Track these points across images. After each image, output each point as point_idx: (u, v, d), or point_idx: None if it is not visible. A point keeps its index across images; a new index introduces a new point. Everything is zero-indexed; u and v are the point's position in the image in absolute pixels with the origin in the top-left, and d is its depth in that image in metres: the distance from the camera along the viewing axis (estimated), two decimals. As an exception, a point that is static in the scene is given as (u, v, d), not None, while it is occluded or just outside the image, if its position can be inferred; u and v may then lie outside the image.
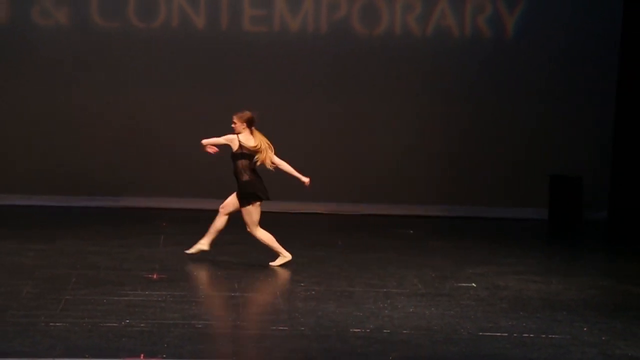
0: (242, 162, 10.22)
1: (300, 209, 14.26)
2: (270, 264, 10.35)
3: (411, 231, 13.22)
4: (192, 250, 10.51)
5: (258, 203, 10.26)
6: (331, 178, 14.53)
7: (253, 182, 10.22)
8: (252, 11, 14.71)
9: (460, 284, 9.86)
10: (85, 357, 6.83)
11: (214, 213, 10.47)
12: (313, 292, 9.27)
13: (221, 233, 10.45)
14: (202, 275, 9.93)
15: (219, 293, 9.19)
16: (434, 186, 14.84)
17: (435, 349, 7.56)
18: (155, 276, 9.67)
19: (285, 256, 10.38)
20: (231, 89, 14.53)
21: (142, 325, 7.74)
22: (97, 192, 14.41)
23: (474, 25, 14.85)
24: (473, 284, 9.88)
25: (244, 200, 10.26)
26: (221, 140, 10.25)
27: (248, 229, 10.32)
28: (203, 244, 10.46)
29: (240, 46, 14.65)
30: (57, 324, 7.64)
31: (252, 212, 10.24)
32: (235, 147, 10.19)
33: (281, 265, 10.34)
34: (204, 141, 10.30)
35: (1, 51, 14.33)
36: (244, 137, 10.21)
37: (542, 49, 14.82)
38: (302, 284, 9.62)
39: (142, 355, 6.94)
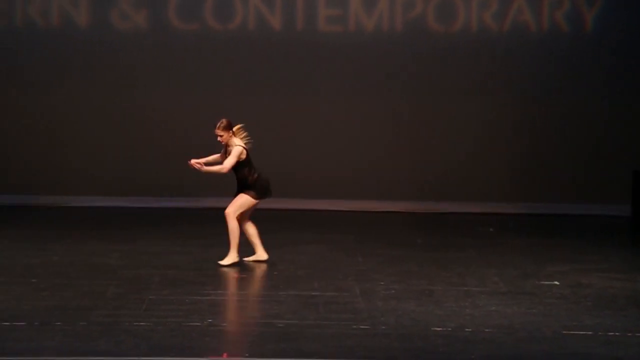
0: (249, 164, 10.17)
1: (377, 208, 14.24)
2: (221, 263, 10.14)
3: (491, 229, 13.10)
4: (251, 259, 10.40)
5: (258, 201, 10.22)
6: (409, 176, 14.50)
7: (265, 178, 10.21)
8: (327, 11, 14.73)
9: (542, 282, 9.75)
10: (169, 356, 6.90)
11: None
12: (393, 291, 9.24)
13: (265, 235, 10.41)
14: (282, 274, 9.96)
15: (299, 292, 9.21)
16: (514, 183, 14.70)
17: (518, 348, 7.49)
18: (236, 276, 9.73)
19: (234, 257, 10.15)
20: (308, 89, 14.57)
21: (224, 324, 7.79)
22: (178, 193, 14.56)
23: (551, 21, 14.68)
24: (555, 282, 9.76)
25: (259, 194, 10.19)
26: (235, 159, 10.09)
27: (228, 210, 10.18)
28: (259, 256, 10.42)
29: (315, 46, 14.68)
30: (141, 324, 7.72)
31: (248, 204, 10.18)
32: (244, 155, 10.17)
33: (227, 266, 10.10)
34: (225, 169, 10.14)
35: (81, 54, 14.55)
36: (239, 142, 10.18)
37: (621, 43, 14.59)
38: (382, 283, 9.59)
39: (224, 354, 6.99)
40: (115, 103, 14.63)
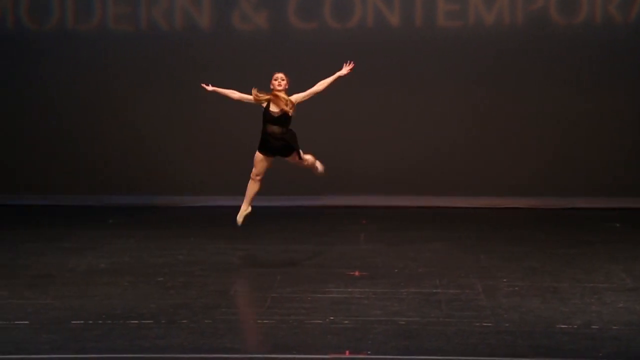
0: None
1: (497, 204, 14.08)
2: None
3: (618, 224, 12.82)
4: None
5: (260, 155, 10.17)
6: (532, 171, 14.29)
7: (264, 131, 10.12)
8: (446, 6, 14.63)
9: (671, 278, 9.51)
10: (292, 354, 6.95)
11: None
12: (516, 288, 9.13)
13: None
14: (403, 272, 9.93)
15: (420, 290, 9.17)
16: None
17: (647, 346, 7.31)
18: (357, 273, 9.75)
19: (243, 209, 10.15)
20: (426, 84, 14.49)
21: (346, 322, 7.81)
22: (298, 192, 14.66)
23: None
24: (686, 278, 9.51)
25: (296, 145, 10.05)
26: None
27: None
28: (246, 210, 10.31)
29: (434, 42, 14.59)
30: (265, 321, 7.81)
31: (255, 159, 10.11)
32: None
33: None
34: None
35: (204, 57, 14.77)
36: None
37: None
38: (505, 280, 9.48)
39: (347, 351, 7.01)
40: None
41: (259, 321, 7.79)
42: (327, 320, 7.87)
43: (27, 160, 14.93)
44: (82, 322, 7.75)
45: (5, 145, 14.90)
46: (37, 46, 14.78)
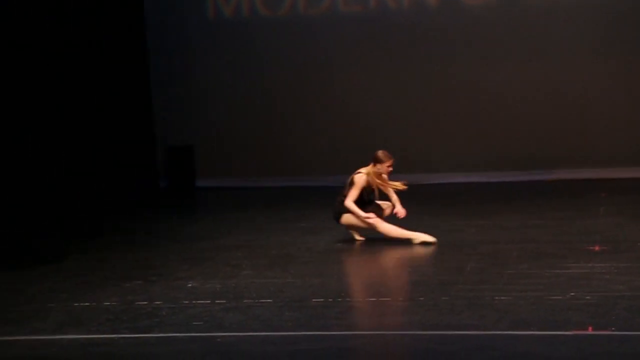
0: None
1: None
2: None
3: None
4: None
5: None
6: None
7: None
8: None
9: None
10: (531, 331, 6.86)
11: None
12: None
13: None
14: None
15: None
16: None
17: None
18: (597, 248, 9.50)
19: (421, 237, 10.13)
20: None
21: (587, 297, 7.62)
22: (533, 166, 14.47)
23: None
24: None
25: None
26: None
27: None
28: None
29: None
30: (502, 298, 7.73)
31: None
32: None
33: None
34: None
35: (436, 32, 14.76)
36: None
37: None
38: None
39: (590, 327, 6.84)
40: (468, 79, 14.74)
41: (495, 298, 7.72)
42: (568, 296, 7.71)
43: (266, 145, 15.40)
44: (322, 299, 7.93)
45: (247, 131, 15.40)
46: (269, 31, 15.21)
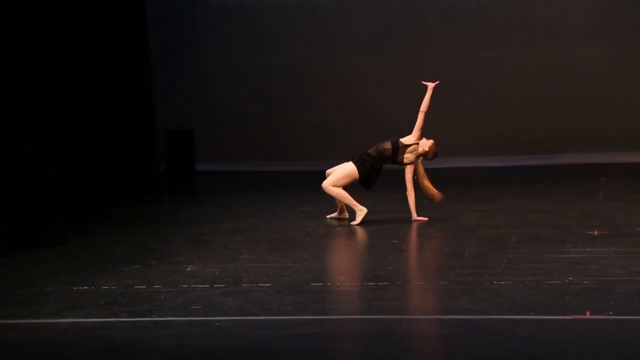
0: None
1: None
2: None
3: None
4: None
5: None
6: None
7: None
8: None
9: None
10: (530, 315, 6.86)
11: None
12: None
13: None
14: (645, 230, 9.60)
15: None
16: None
17: None
18: (596, 232, 9.50)
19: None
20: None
21: (585, 282, 7.63)
22: (534, 151, 14.46)
23: None
24: None
25: None
26: None
27: None
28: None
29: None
30: (501, 282, 7.73)
31: None
32: None
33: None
34: None
35: (440, 16, 14.72)
36: None
37: None
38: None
39: (587, 312, 6.85)
40: (468, 63, 14.71)
41: (495, 282, 7.72)
42: (566, 280, 7.71)
43: (266, 129, 15.37)
44: (321, 284, 7.93)
45: (248, 115, 15.37)
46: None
